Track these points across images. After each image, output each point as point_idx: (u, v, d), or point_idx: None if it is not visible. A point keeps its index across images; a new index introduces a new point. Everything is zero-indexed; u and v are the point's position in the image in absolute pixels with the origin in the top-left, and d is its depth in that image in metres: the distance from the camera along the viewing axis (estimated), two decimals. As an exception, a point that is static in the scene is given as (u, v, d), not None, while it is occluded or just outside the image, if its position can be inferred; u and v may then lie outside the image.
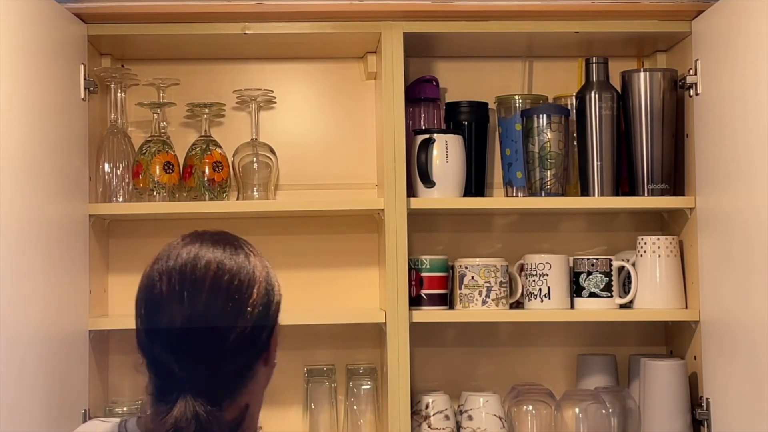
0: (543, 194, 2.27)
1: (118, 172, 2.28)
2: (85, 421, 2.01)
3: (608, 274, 2.24)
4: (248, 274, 1.34)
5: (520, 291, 2.31)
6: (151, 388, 1.32)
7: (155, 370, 1.31)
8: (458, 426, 2.25)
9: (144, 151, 2.26)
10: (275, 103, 2.44)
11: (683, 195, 2.28)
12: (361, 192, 2.42)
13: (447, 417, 2.23)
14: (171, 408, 1.26)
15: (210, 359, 1.29)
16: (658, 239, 2.25)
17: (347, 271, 2.42)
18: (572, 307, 2.27)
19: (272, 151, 2.36)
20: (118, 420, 1.42)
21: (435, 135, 2.25)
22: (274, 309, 1.37)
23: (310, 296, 2.40)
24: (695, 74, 2.18)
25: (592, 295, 2.24)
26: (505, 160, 2.36)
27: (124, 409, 2.22)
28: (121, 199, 2.28)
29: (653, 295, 2.24)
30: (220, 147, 2.32)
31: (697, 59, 2.19)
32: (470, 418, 2.22)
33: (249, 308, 1.32)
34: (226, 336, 1.30)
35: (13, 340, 1.70)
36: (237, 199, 2.34)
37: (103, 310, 2.31)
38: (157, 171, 2.25)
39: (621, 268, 2.26)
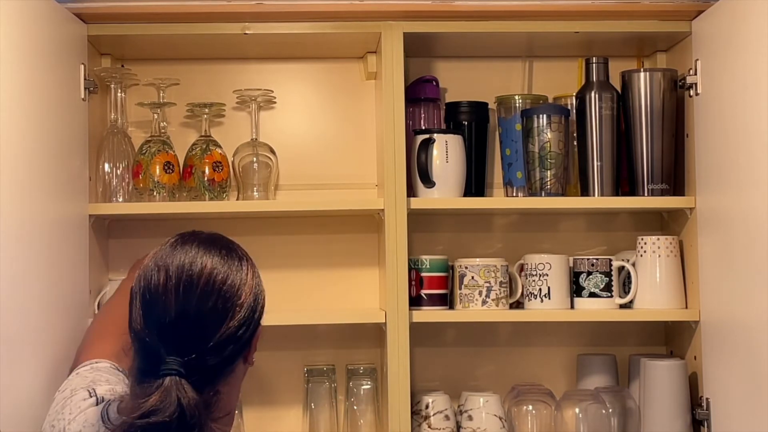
0: (543, 194, 2.27)
1: (118, 172, 2.28)
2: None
3: (608, 274, 2.24)
4: (240, 278, 1.45)
5: (520, 291, 2.31)
6: (135, 371, 1.42)
7: (143, 353, 1.41)
8: (458, 426, 2.25)
9: (144, 151, 2.26)
10: (275, 103, 2.44)
11: (683, 195, 2.28)
12: (361, 192, 2.41)
13: (447, 417, 2.23)
14: (152, 391, 1.36)
15: (196, 351, 1.39)
16: (658, 239, 2.25)
17: (347, 271, 2.42)
18: (572, 307, 2.27)
19: (272, 151, 2.35)
20: (102, 397, 1.54)
21: (435, 135, 2.25)
22: (259, 312, 1.48)
23: (310, 296, 2.40)
24: (695, 74, 2.18)
25: (592, 295, 2.24)
26: (505, 160, 2.36)
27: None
28: (121, 199, 2.28)
29: (653, 295, 2.24)
30: (220, 147, 2.32)
31: (697, 59, 2.19)
32: (470, 418, 2.22)
33: (237, 308, 1.43)
34: (213, 332, 1.40)
35: (13, 340, 1.70)
36: (237, 199, 2.34)
37: (103, 310, 2.31)
38: (157, 171, 2.25)
39: (621, 268, 2.26)
